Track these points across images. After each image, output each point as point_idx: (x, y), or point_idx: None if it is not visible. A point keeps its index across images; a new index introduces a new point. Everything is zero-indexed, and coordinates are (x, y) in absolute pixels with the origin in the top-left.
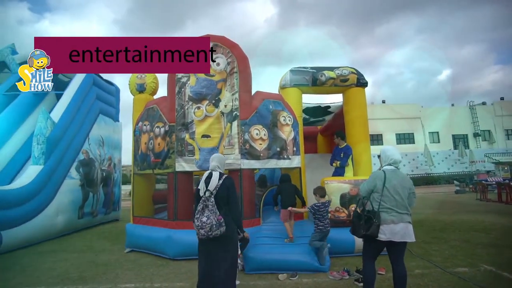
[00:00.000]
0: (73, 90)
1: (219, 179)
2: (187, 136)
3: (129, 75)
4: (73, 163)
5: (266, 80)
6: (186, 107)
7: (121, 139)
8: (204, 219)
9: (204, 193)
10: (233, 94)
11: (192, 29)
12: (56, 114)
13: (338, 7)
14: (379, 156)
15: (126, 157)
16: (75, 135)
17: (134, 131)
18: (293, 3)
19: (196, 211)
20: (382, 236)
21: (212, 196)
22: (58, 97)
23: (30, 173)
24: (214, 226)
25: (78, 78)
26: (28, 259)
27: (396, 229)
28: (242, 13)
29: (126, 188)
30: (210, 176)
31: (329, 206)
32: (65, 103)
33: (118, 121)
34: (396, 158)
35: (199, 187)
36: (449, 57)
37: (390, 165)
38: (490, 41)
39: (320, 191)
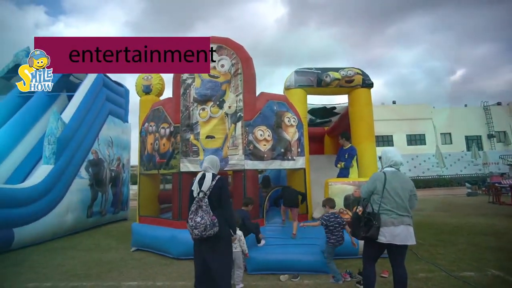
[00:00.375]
0: (83, 92)
1: (212, 180)
2: (191, 137)
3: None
4: (83, 163)
5: (276, 80)
6: (191, 108)
7: (130, 139)
8: (198, 219)
9: (198, 194)
10: (237, 95)
11: (203, 30)
12: (67, 115)
13: (349, 7)
14: (380, 158)
15: (136, 158)
16: (85, 136)
17: (140, 132)
18: (303, 3)
19: (190, 212)
20: (382, 238)
21: (206, 196)
22: (70, 98)
23: (41, 172)
24: (208, 226)
25: (89, 80)
26: (38, 256)
27: (396, 232)
28: (253, 14)
29: (135, 188)
30: (203, 177)
31: (341, 218)
32: (75, 105)
33: (127, 122)
34: (396, 160)
35: (192, 188)
36: (462, 56)
37: (391, 166)
38: (506, 39)
39: (330, 202)
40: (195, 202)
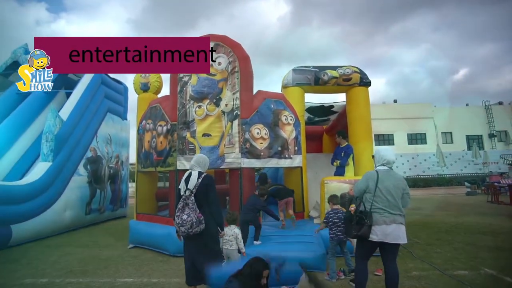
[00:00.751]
0: (81, 89)
1: (198, 178)
2: (188, 134)
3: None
4: (81, 160)
5: (278, 78)
6: (187, 106)
7: (129, 137)
8: (185, 216)
9: (185, 192)
10: (234, 93)
11: (205, 28)
12: (65, 112)
13: (352, 5)
14: (373, 157)
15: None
16: (83, 133)
17: (138, 130)
18: (306, 2)
19: (177, 209)
20: (373, 237)
21: (192, 194)
22: (68, 96)
23: (39, 169)
24: (195, 223)
25: (87, 77)
26: (36, 252)
27: (388, 230)
28: (255, 12)
29: (134, 185)
30: (190, 176)
31: (341, 213)
32: (73, 102)
33: (126, 119)
34: (389, 159)
35: (180, 187)
36: (465, 55)
37: (384, 165)
38: (508, 39)
39: (333, 199)
40: (182, 200)
